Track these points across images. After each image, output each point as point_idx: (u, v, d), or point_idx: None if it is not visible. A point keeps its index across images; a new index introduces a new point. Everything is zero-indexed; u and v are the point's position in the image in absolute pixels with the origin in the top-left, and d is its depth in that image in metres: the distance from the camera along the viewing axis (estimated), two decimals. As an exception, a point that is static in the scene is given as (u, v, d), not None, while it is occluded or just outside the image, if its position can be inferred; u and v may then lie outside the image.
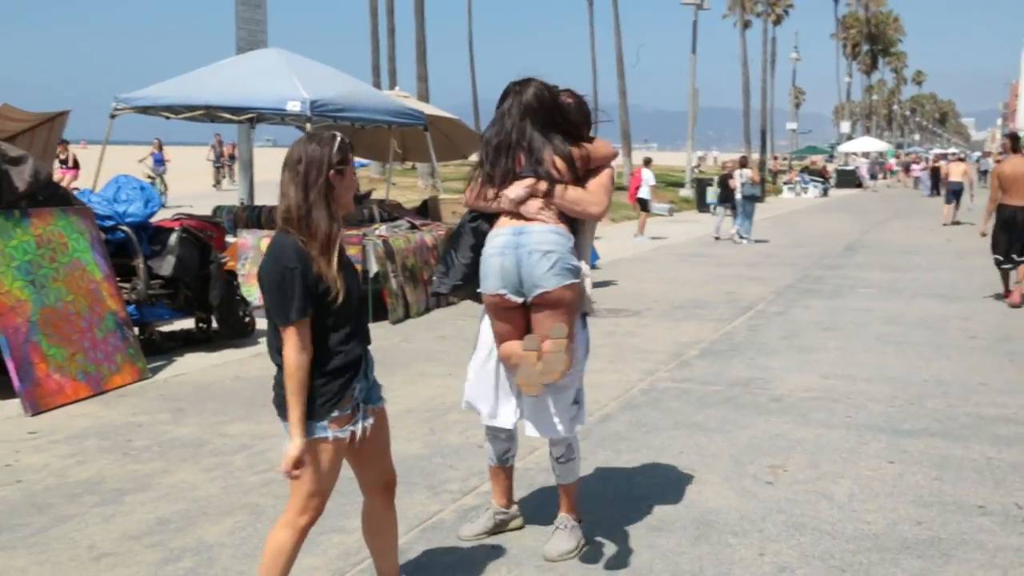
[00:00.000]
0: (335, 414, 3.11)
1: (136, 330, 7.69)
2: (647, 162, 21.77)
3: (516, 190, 3.74)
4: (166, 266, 7.69)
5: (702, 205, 28.19)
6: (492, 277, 3.71)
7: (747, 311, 10.44)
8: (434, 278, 4.03)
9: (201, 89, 10.13)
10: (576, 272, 3.65)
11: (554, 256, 3.62)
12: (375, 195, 24.94)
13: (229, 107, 10.06)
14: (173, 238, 7.78)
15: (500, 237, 3.73)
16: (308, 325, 3.02)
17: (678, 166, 50.95)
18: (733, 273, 13.90)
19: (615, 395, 6.73)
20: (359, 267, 9.35)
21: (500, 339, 3.81)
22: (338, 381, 3.10)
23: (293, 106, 9.63)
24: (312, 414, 3.08)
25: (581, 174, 3.81)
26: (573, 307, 3.68)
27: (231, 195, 25.40)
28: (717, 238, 19.21)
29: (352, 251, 9.36)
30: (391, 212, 11.27)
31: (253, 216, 10.30)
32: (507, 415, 3.95)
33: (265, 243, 9.68)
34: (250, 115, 10.44)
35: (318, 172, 3.07)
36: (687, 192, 32.44)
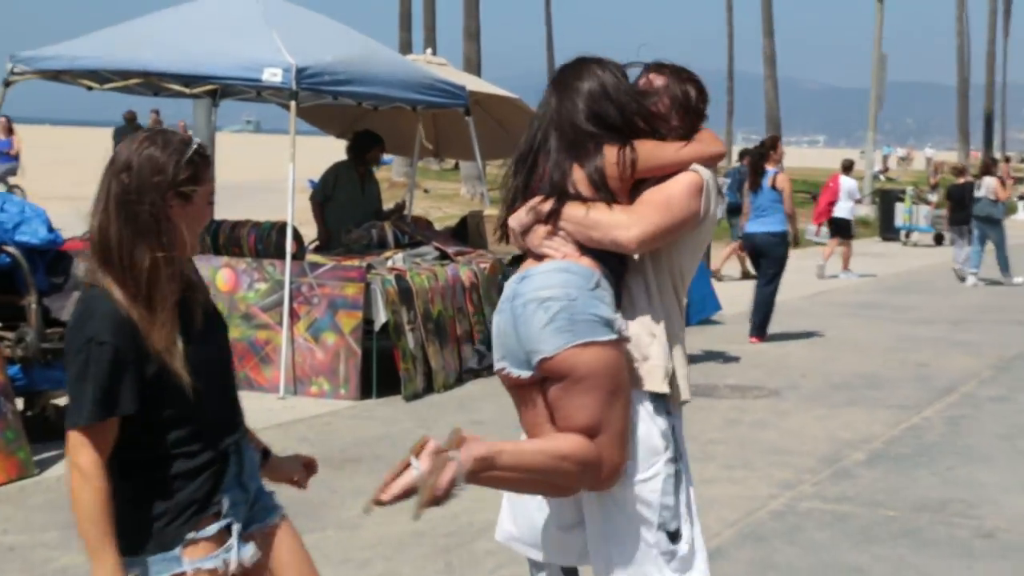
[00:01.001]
0: (191, 536, 3.08)
1: (20, 403, 7.77)
2: (847, 167, 21.62)
3: (519, 215, 3.75)
4: (71, 307, 7.82)
5: (888, 229, 27.85)
6: (494, 344, 3.75)
7: (947, 394, 10.33)
8: (475, 346, 3.97)
9: (138, 47, 10.35)
10: (597, 327, 3.54)
11: (554, 305, 3.55)
12: (387, 207, 25.24)
13: (179, 74, 10.28)
14: (83, 267, 7.91)
15: (505, 286, 3.76)
16: (109, 431, 2.99)
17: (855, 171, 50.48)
18: (929, 334, 13.74)
19: (733, 519, 6.64)
20: (357, 315, 9.42)
21: (525, 433, 3.80)
22: (187, 490, 3.09)
23: (271, 75, 9.79)
24: (155, 542, 3.06)
25: (628, 184, 3.74)
26: (603, 381, 3.55)
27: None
28: (975, 278, 19.05)
29: (350, 291, 9.44)
30: (413, 233, 11.35)
31: (209, 235, 10.45)
32: (561, 548, 3.89)
33: (224, 277, 9.82)
34: (210, 87, 10.62)
35: (152, 192, 3.02)
36: (864, 209, 32.12)
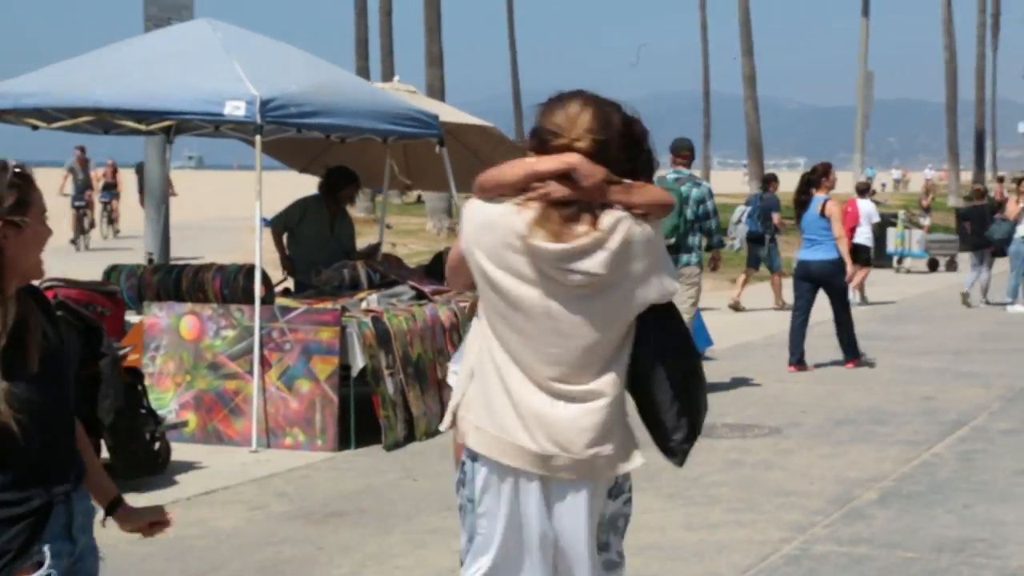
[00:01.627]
0: None
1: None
2: (863, 190, 21.74)
3: None
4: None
5: (879, 255, 28.02)
6: None
7: (957, 428, 10.42)
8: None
9: (90, 83, 10.38)
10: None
11: None
12: (359, 245, 25.28)
13: (133, 110, 10.31)
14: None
15: None
16: None
17: (838, 194, 50.91)
18: (933, 365, 13.87)
19: (746, 564, 6.69)
20: (333, 360, 9.45)
21: None
22: (2, 538, 3.08)
23: (234, 108, 9.83)
24: None
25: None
26: None
27: (107, 257, 23.61)
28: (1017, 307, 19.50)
29: (325, 335, 9.48)
30: (387, 273, 11.40)
31: (168, 281, 10.47)
32: None
33: (188, 324, 9.83)
34: (166, 123, 10.66)
35: None
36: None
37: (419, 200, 37.57)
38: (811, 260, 13.53)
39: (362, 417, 9.68)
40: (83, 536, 3.27)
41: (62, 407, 3.26)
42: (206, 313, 9.87)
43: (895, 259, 27.46)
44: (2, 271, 3.08)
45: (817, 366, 13.75)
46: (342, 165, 12.22)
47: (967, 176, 60.03)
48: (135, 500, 8.22)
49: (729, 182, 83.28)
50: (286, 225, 12.01)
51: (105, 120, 10.75)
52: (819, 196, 13.58)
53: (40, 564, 3.12)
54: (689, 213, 11.57)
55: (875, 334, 16.62)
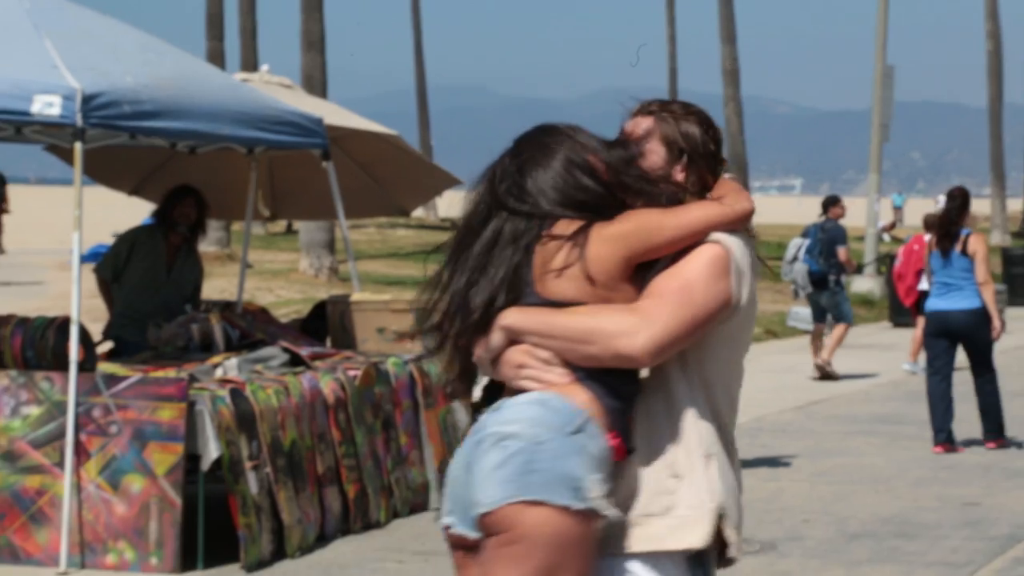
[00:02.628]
0: None
1: None
2: (931, 224, 21.76)
3: (491, 339, 3.92)
4: None
5: (902, 311, 28.32)
6: (444, 494, 3.98)
7: (1011, 545, 10.44)
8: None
9: None
10: (558, 486, 3.69)
11: (512, 445, 3.73)
12: (210, 290, 25.05)
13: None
14: None
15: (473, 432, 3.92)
16: None
17: (848, 225, 51.41)
18: (976, 459, 13.93)
19: None
20: (177, 449, 9.36)
21: None
22: None
23: (46, 105, 9.75)
24: None
25: (624, 274, 3.92)
26: (539, 555, 3.71)
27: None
28: None
29: (165, 415, 9.39)
30: (249, 330, 11.31)
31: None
32: None
33: (-25, 397, 9.68)
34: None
35: None
36: (867, 283, 32.68)
37: (290, 230, 37.51)
38: (950, 310, 14.35)
39: (214, 526, 9.56)
40: None
41: None
42: (1, 383, 9.72)
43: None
44: None
45: (820, 463, 13.78)
46: (185, 183, 12.15)
47: (1016, 205, 60.92)
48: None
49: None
50: (113, 268, 11.90)
51: None
52: (963, 229, 14.41)
53: None
54: None
55: (899, 416, 16.73)
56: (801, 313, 25.53)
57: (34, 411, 9.64)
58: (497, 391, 4.00)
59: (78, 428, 9.50)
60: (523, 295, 3.89)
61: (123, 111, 10.03)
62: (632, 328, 3.78)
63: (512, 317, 3.87)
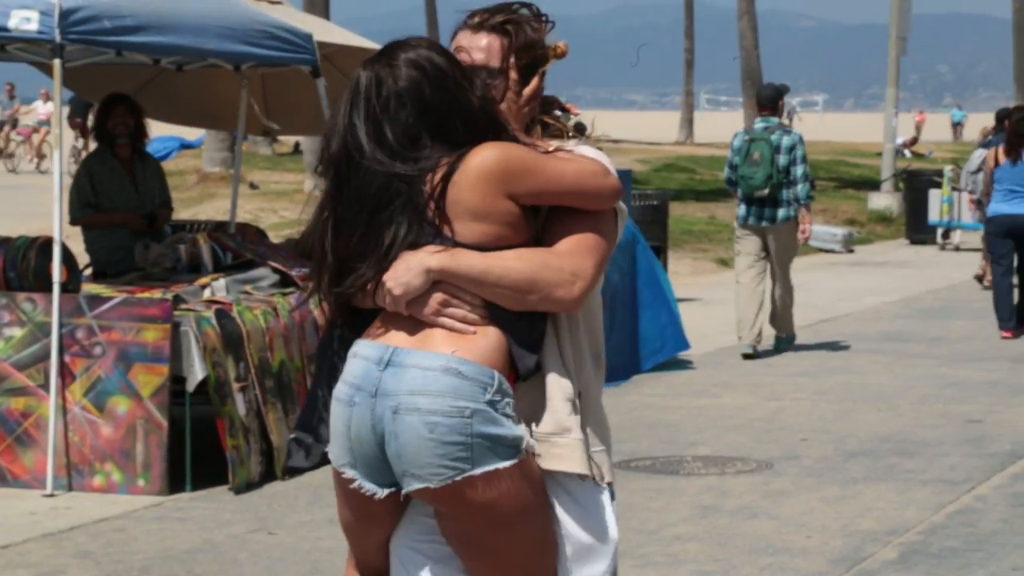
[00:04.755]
0: None
1: None
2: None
3: (400, 273, 4.07)
4: None
5: (919, 228, 28.34)
6: (336, 440, 4.19)
7: (1010, 462, 10.49)
8: (289, 439, 4.51)
9: None
10: (503, 447, 4.00)
11: (441, 425, 3.98)
12: (211, 210, 24.99)
13: None
14: None
15: (356, 363, 4.13)
16: None
17: (867, 143, 51.19)
18: (982, 377, 13.98)
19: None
20: (162, 370, 9.42)
21: (351, 542, 4.38)
22: None
23: (23, 20, 9.75)
24: None
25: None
26: (511, 511, 4.04)
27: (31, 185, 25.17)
28: None
29: (150, 336, 9.43)
30: (238, 250, 11.33)
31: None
32: None
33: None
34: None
35: None
36: (884, 199, 32.61)
37: (297, 150, 37.48)
38: (1016, 214, 16.37)
39: (201, 448, 9.62)
40: None
41: None
42: (-16, 305, 9.78)
43: (939, 232, 27.69)
44: None
45: (824, 381, 13.83)
46: (113, 92, 12.07)
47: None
48: None
49: (723, 127, 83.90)
50: (87, 204, 11.75)
51: None
52: None
53: None
54: (782, 161, 14.73)
55: (907, 334, 16.77)
56: (823, 233, 25.59)
57: (17, 333, 9.70)
58: (358, 315, 4.21)
59: (62, 350, 9.55)
60: (425, 236, 4.04)
61: (103, 26, 10.00)
62: (569, 280, 4.07)
63: (440, 259, 4.02)
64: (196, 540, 8.54)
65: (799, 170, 14.76)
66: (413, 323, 4.09)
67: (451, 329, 4.06)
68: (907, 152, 48.90)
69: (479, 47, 4.26)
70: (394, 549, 4.28)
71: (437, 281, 4.06)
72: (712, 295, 20.11)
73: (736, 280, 15.37)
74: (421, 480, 4.01)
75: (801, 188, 14.79)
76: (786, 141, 14.81)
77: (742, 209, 15.14)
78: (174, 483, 9.52)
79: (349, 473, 4.13)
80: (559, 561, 4.16)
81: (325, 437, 4.31)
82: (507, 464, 4.00)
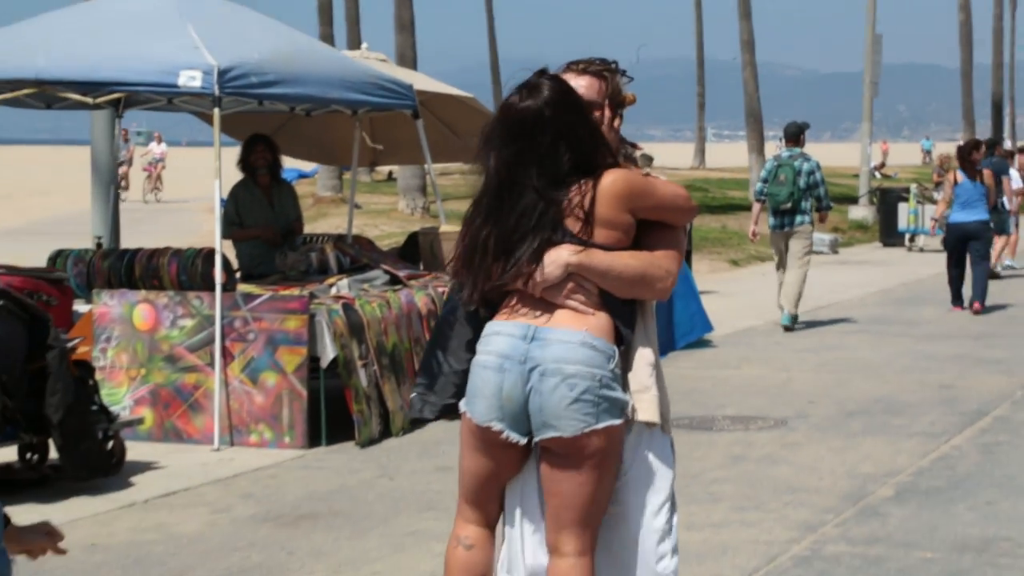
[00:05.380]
0: None
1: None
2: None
3: (548, 266, 4.20)
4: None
5: (891, 234, 28.18)
6: (484, 400, 4.25)
7: (978, 418, 10.46)
8: (412, 395, 4.53)
9: (31, 52, 10.35)
10: (617, 409, 4.17)
11: (580, 384, 4.12)
12: (326, 226, 25.11)
13: (78, 82, 10.26)
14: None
15: (501, 339, 4.23)
16: None
17: (844, 167, 51.01)
18: (950, 351, 13.94)
19: (751, 567, 6.73)
20: (301, 351, 9.47)
21: (471, 488, 4.40)
22: None
23: (190, 79, 9.83)
24: None
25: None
26: (608, 461, 4.20)
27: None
28: None
29: (292, 324, 9.49)
30: (357, 256, 11.40)
31: (120, 267, 10.44)
32: None
33: (142, 314, 9.82)
34: (115, 95, 10.60)
35: None
36: (862, 211, 32.47)
37: (390, 178, 37.53)
38: (967, 221, 16.95)
39: (333, 412, 9.68)
40: None
41: None
42: (162, 301, 9.86)
43: (907, 237, 27.54)
44: None
45: (823, 356, 13.81)
46: (254, 132, 12.12)
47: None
48: (89, 503, 8.24)
49: (727, 155, 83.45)
50: (233, 223, 11.76)
51: (48, 93, 10.68)
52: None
53: None
54: (802, 183, 15.42)
55: (887, 318, 16.70)
56: (814, 238, 25.47)
57: (188, 323, 9.78)
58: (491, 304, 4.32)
59: (223, 336, 9.62)
60: (565, 238, 4.16)
61: (251, 81, 10.11)
62: (665, 275, 4.29)
63: (579, 257, 4.16)
64: (333, 484, 8.60)
65: (822, 189, 15.61)
66: (540, 307, 4.20)
67: (575, 310, 4.18)
68: (878, 174, 48.61)
69: (582, 86, 4.33)
70: (511, 487, 4.36)
71: (571, 273, 4.18)
72: (727, 289, 20.09)
73: (777, 271, 16.10)
74: (556, 430, 4.13)
75: (824, 202, 15.72)
76: (806, 167, 15.51)
77: (771, 220, 15.78)
78: (313, 440, 9.58)
79: (497, 426, 4.21)
80: (635, 491, 4.29)
81: (443, 393, 4.42)
82: (618, 422, 4.17)
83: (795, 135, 16.13)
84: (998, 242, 21.35)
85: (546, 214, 4.14)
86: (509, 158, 4.16)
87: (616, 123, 4.41)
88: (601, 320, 4.20)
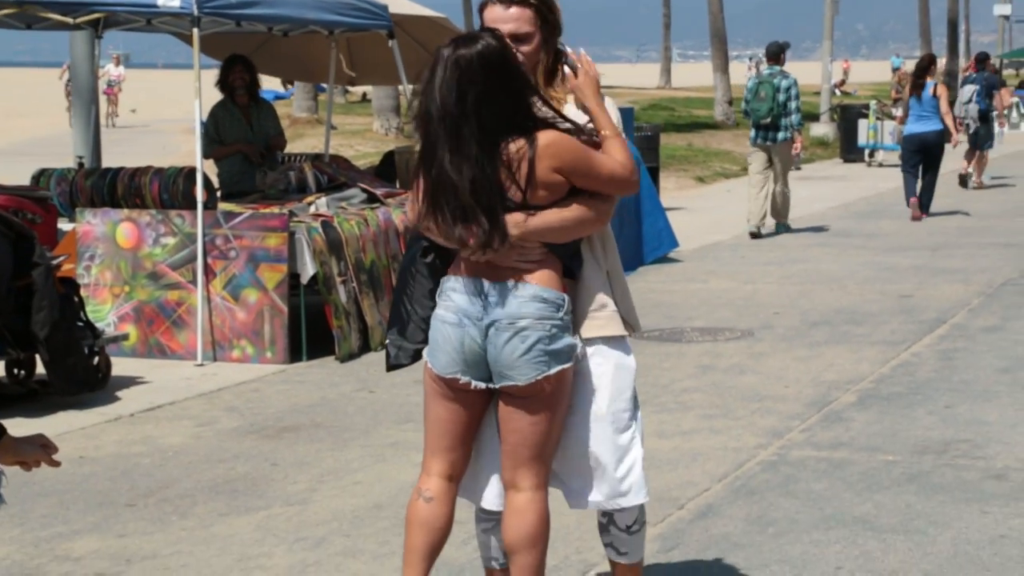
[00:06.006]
0: None
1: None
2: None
3: (519, 224, 4.19)
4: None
5: (851, 150, 28.16)
6: (446, 355, 4.30)
7: (936, 326, 10.52)
8: (386, 342, 4.55)
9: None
10: (566, 355, 4.24)
11: (531, 336, 4.20)
12: (303, 146, 24.93)
13: (58, 2, 10.12)
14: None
15: (458, 295, 4.30)
16: None
17: (805, 84, 50.86)
18: (908, 263, 13.98)
19: (721, 472, 6.76)
20: (282, 268, 9.43)
21: (436, 433, 4.41)
22: None
23: (168, 0, 9.70)
24: None
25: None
26: (559, 401, 4.29)
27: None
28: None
29: (272, 242, 9.44)
30: (335, 175, 11.32)
31: (102, 186, 10.35)
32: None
33: (125, 232, 9.75)
34: (95, 15, 10.47)
35: None
36: (823, 128, 32.45)
37: (364, 99, 37.32)
38: (923, 132, 17.45)
39: (313, 327, 9.67)
40: None
41: None
42: (144, 220, 9.78)
43: (867, 152, 27.53)
44: None
45: (787, 268, 13.83)
46: (233, 53, 11.99)
47: (941, 63, 60.03)
48: (77, 417, 8.21)
49: (692, 75, 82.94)
50: (214, 142, 11.65)
51: (28, 12, 10.52)
52: (930, 81, 17.68)
53: None
54: (781, 99, 15.90)
55: (848, 231, 16.72)
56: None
57: (171, 241, 9.72)
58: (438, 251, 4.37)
59: (205, 253, 9.57)
60: (503, 203, 4.15)
61: (229, 2, 9.96)
62: (603, 215, 4.31)
63: (517, 229, 4.15)
64: (314, 397, 8.59)
65: (793, 105, 16.00)
66: (490, 262, 4.25)
67: (520, 268, 4.22)
68: (838, 91, 48.55)
69: (511, 17, 4.28)
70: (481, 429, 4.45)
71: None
72: (694, 205, 20.07)
73: (748, 184, 16.55)
74: (512, 380, 4.22)
75: (795, 117, 16.06)
76: (784, 83, 16.06)
77: (752, 133, 16.50)
78: (293, 355, 9.56)
79: (462, 378, 4.26)
80: (596, 400, 4.35)
81: (413, 339, 4.44)
82: (568, 365, 4.25)
83: (776, 54, 16.75)
84: (975, 157, 21.99)
85: (490, 179, 4.12)
86: (451, 108, 4.10)
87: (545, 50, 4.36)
88: (549, 268, 4.23)
